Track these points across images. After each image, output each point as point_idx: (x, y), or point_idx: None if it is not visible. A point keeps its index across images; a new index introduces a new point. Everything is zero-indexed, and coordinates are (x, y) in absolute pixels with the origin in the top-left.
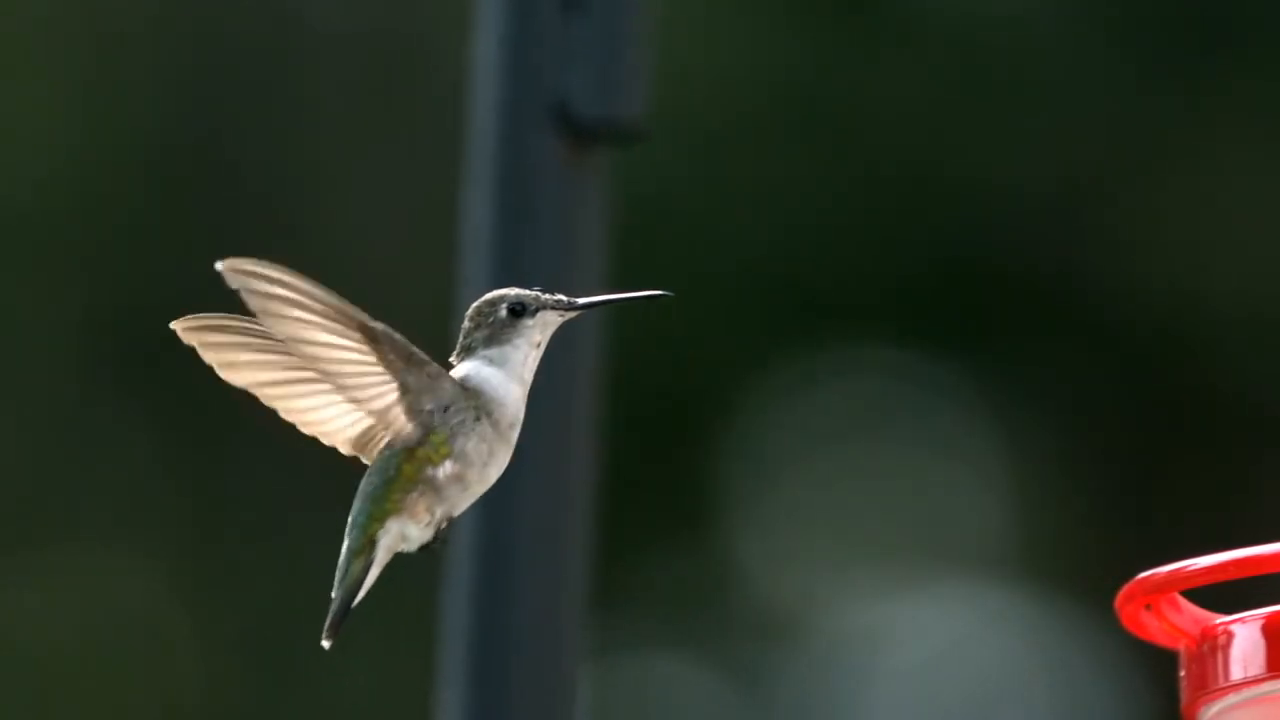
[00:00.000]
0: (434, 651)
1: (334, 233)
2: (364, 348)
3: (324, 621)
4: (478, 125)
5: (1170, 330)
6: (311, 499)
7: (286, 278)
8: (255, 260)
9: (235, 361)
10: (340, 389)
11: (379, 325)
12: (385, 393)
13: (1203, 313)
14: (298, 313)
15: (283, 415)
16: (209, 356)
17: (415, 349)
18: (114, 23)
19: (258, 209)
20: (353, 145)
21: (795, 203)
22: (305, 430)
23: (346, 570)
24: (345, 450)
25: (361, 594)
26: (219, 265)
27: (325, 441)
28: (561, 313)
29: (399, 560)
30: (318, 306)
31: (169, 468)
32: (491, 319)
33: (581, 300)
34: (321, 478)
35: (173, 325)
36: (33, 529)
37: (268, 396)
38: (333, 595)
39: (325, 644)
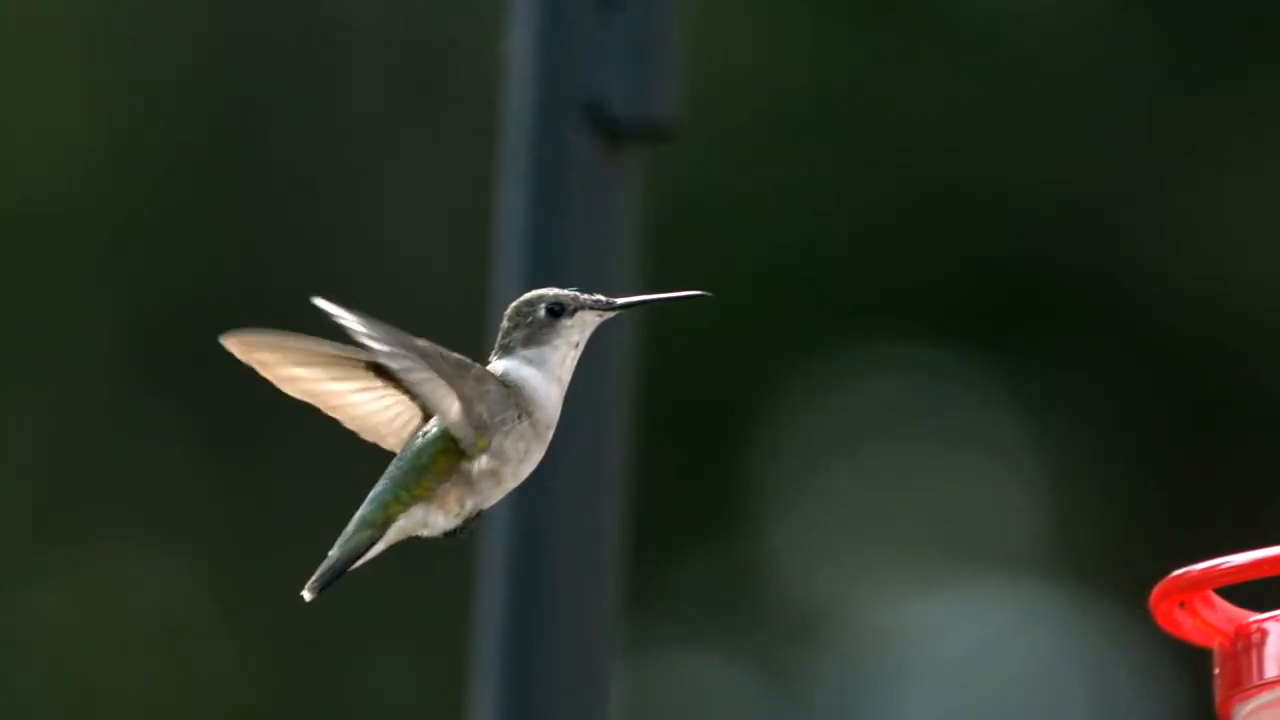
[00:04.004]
0: (468, 649)
1: (369, 231)
2: (374, 381)
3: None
4: (512, 124)
5: (1204, 328)
6: (343, 497)
7: (279, 341)
8: (252, 331)
9: (289, 376)
10: (414, 399)
11: (422, 342)
12: (450, 403)
13: (1237, 310)
14: (300, 371)
15: (329, 413)
16: (264, 372)
17: (460, 356)
18: (148, 22)
19: (293, 208)
20: (387, 144)
21: (828, 201)
22: (349, 425)
23: (351, 535)
24: (383, 439)
25: (359, 563)
26: (222, 339)
27: (366, 436)
28: (600, 313)
29: (432, 558)
30: (319, 359)
31: (202, 466)
32: (530, 319)
33: (620, 300)
34: (353, 475)
35: (223, 341)
36: (68, 527)
37: (321, 403)
38: (330, 553)
39: (306, 596)
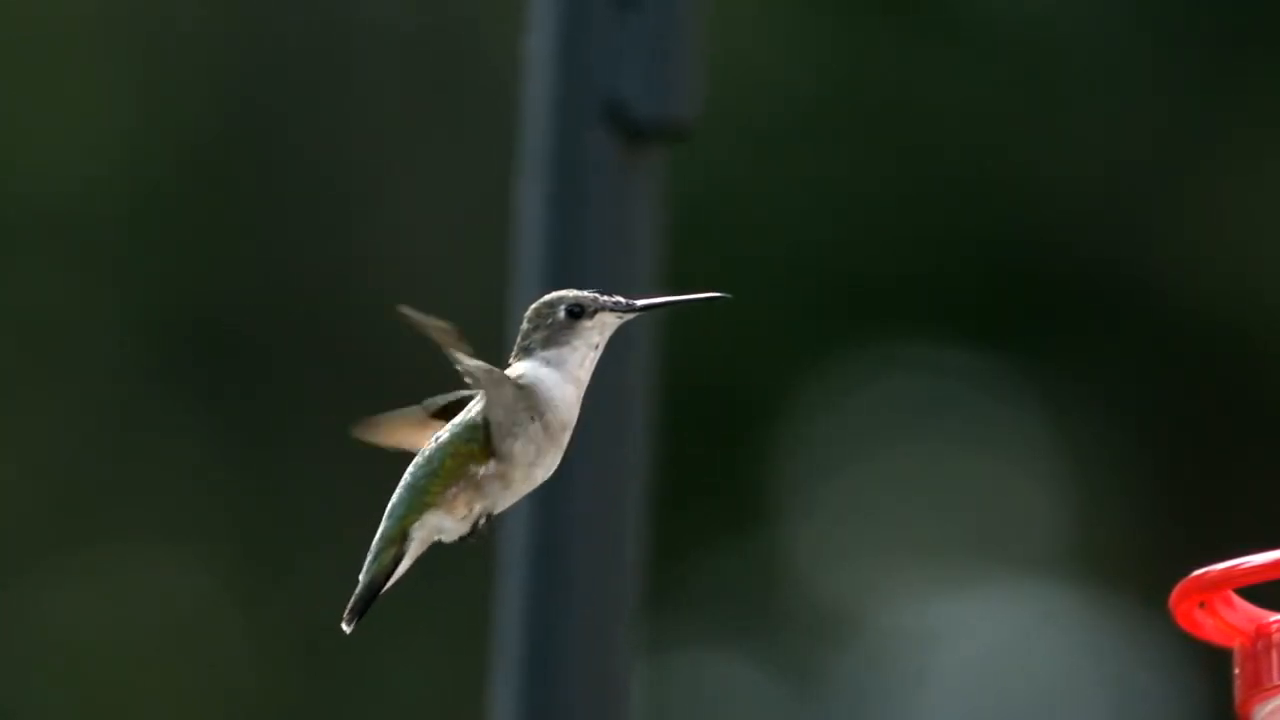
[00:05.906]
0: (488, 649)
1: (387, 231)
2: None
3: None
4: (531, 123)
5: (1225, 329)
6: (363, 497)
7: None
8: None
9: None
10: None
11: (495, 370)
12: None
13: (1257, 311)
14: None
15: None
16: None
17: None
18: (165, 20)
19: (310, 208)
20: (406, 144)
21: (847, 200)
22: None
23: (376, 557)
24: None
25: (390, 583)
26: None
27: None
28: (620, 314)
29: (452, 559)
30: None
31: (221, 466)
32: (550, 320)
33: (640, 302)
34: (372, 475)
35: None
36: (82, 529)
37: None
38: (360, 578)
39: (346, 627)
